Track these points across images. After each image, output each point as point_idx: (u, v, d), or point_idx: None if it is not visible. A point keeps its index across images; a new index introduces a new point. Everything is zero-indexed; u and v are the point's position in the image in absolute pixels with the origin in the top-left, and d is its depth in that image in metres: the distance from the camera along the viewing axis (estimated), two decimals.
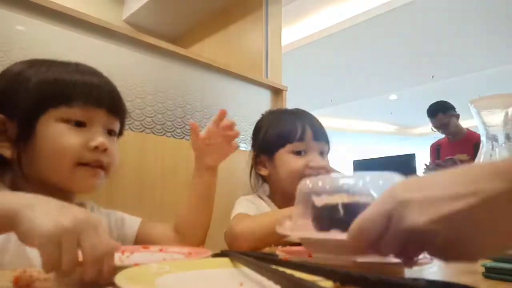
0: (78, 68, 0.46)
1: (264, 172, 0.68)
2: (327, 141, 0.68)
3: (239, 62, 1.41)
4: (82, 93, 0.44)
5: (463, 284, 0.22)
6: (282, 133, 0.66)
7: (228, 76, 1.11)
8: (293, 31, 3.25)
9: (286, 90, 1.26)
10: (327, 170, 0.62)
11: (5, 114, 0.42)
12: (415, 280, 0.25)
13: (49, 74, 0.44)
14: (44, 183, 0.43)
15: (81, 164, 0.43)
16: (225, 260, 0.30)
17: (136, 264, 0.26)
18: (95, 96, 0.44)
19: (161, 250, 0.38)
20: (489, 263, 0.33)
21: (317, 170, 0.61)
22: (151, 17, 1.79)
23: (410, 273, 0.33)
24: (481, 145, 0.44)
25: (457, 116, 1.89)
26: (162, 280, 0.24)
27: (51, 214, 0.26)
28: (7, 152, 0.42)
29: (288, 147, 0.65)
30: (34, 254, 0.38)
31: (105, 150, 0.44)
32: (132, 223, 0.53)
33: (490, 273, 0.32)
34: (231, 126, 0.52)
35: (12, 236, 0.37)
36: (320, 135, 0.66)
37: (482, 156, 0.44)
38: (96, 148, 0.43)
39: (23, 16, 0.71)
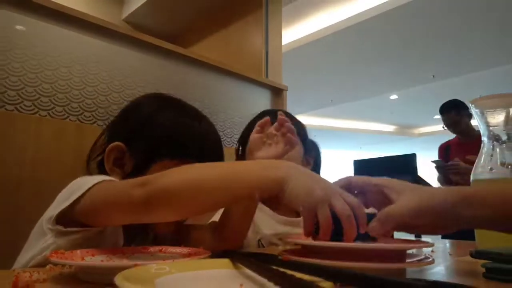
0: (201, 126, 0.49)
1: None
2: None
3: (239, 62, 1.41)
4: (197, 154, 0.46)
5: (463, 285, 0.22)
6: (243, 138, 0.68)
7: (228, 75, 1.11)
8: (294, 31, 3.25)
9: (286, 90, 1.26)
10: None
11: (128, 147, 0.47)
12: (416, 280, 0.25)
13: (176, 127, 0.47)
14: None
15: None
16: (225, 261, 0.29)
17: (135, 265, 0.26)
18: (205, 158, 0.46)
19: (160, 251, 0.38)
20: (490, 263, 0.32)
21: None
22: (151, 16, 1.79)
23: (411, 273, 0.33)
24: (482, 145, 0.44)
25: (470, 116, 1.87)
26: (162, 281, 0.24)
27: (307, 185, 0.32)
28: (116, 178, 0.44)
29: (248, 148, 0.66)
30: None
31: None
32: None
33: (490, 274, 0.32)
34: (291, 130, 0.50)
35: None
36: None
37: (483, 156, 0.44)
38: None
39: (23, 16, 0.71)
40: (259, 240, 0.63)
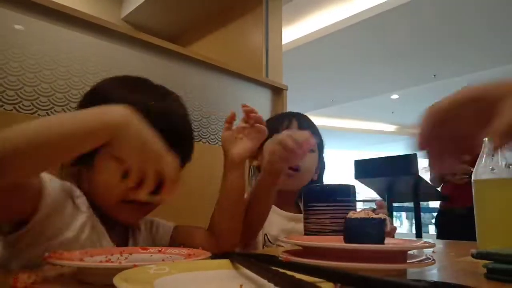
0: (163, 104, 0.45)
1: (255, 163, 0.70)
2: (316, 138, 0.69)
3: (238, 61, 1.40)
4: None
5: (465, 285, 0.21)
6: (269, 126, 0.68)
7: (227, 75, 1.11)
8: (294, 30, 3.24)
9: (286, 90, 1.26)
10: (304, 166, 0.63)
11: None
12: (417, 281, 0.25)
13: (129, 104, 0.43)
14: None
15: (127, 201, 0.43)
16: (225, 262, 0.29)
17: (135, 265, 0.26)
18: (166, 138, 0.41)
19: (160, 251, 0.38)
20: (491, 264, 0.32)
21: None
22: (150, 15, 1.79)
23: (412, 274, 0.33)
24: (483, 145, 0.44)
25: None
26: (161, 282, 0.24)
27: (144, 138, 0.32)
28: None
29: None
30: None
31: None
32: (166, 229, 0.53)
33: (492, 274, 0.32)
34: (258, 119, 0.51)
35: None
36: (308, 130, 0.68)
37: (484, 157, 0.44)
38: None
39: (21, 15, 0.71)
40: (265, 235, 0.63)
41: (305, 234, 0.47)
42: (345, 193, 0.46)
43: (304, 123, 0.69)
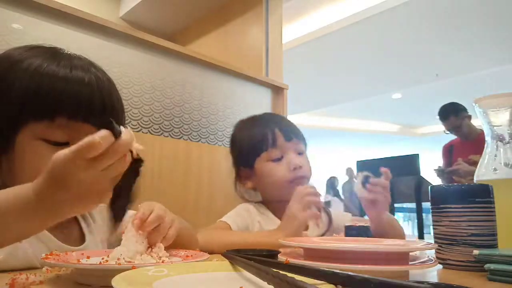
0: (71, 69, 0.39)
1: (249, 185, 0.68)
2: (301, 139, 0.67)
3: (238, 60, 1.40)
4: (68, 108, 0.37)
5: (467, 287, 0.21)
6: (255, 143, 0.65)
7: (227, 74, 1.10)
8: (294, 29, 3.24)
9: (287, 89, 1.25)
10: (306, 169, 0.62)
11: None
12: (419, 283, 0.25)
13: (35, 78, 0.37)
14: None
15: None
16: (224, 263, 0.29)
17: (133, 267, 0.26)
18: (82, 111, 0.37)
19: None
20: (493, 265, 0.32)
21: (299, 172, 0.61)
22: (149, 14, 1.78)
23: (414, 275, 0.32)
24: (485, 145, 0.44)
25: (469, 117, 1.87)
26: (160, 283, 0.23)
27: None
28: None
29: (264, 155, 0.64)
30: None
31: None
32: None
33: (494, 275, 0.32)
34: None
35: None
36: (292, 134, 0.66)
37: (486, 156, 0.43)
38: None
39: (19, 14, 0.71)
40: None
41: (436, 238, 0.41)
42: (485, 193, 0.39)
43: (287, 132, 0.65)
